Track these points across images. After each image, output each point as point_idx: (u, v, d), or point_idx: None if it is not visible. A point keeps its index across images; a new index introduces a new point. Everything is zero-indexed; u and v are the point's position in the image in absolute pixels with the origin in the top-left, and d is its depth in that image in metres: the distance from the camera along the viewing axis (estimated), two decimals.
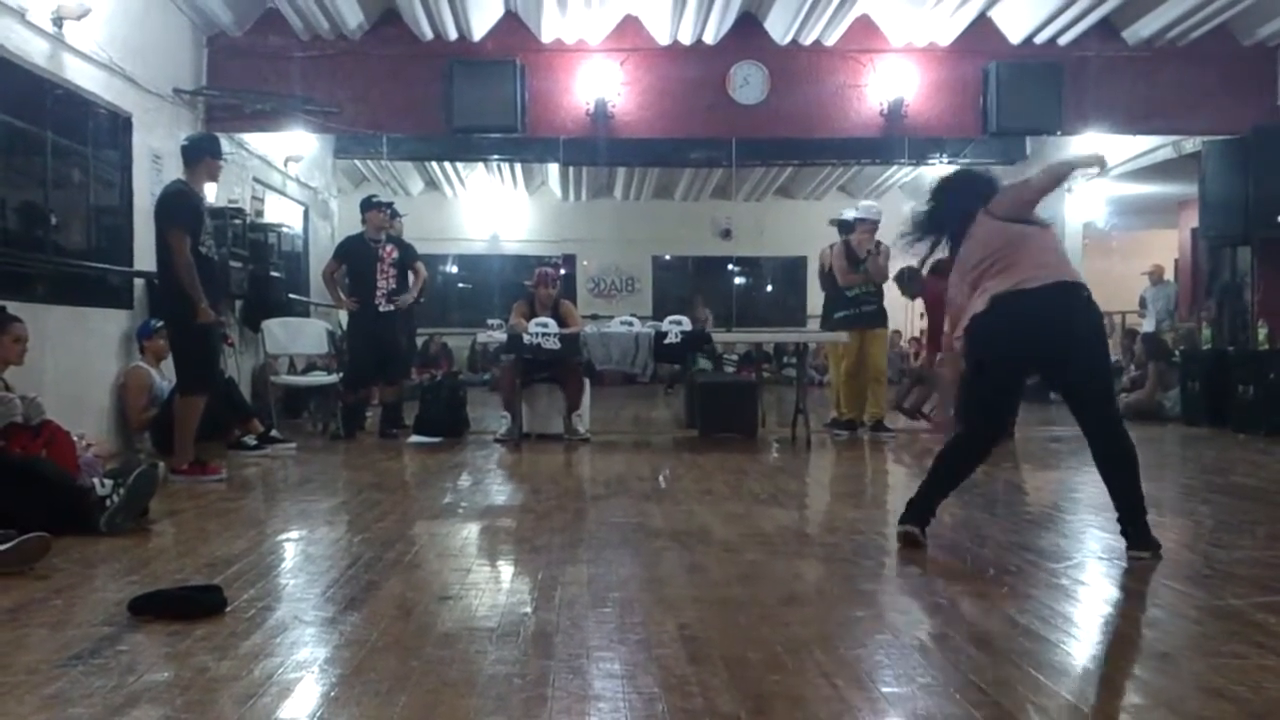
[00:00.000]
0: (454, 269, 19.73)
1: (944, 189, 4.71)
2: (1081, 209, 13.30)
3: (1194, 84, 9.97)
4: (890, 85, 10.05)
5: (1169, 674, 2.81)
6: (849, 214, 9.44)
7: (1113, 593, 3.81)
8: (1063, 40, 9.92)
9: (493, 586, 3.82)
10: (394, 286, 9.05)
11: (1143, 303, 14.03)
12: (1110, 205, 13.40)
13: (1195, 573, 4.00)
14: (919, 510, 4.44)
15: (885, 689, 2.66)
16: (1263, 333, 9.72)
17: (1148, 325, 13.49)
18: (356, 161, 14.79)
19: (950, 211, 4.58)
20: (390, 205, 9.42)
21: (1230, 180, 9.79)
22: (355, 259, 9.12)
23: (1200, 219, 10.41)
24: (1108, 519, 5.17)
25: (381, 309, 8.97)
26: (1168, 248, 15.26)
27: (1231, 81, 9.96)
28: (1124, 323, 14.89)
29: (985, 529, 4.83)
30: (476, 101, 9.63)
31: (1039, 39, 9.92)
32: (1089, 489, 6.12)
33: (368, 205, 9.28)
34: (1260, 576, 3.88)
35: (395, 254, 9.10)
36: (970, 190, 4.60)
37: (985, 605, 3.62)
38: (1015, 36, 9.93)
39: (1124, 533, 4.25)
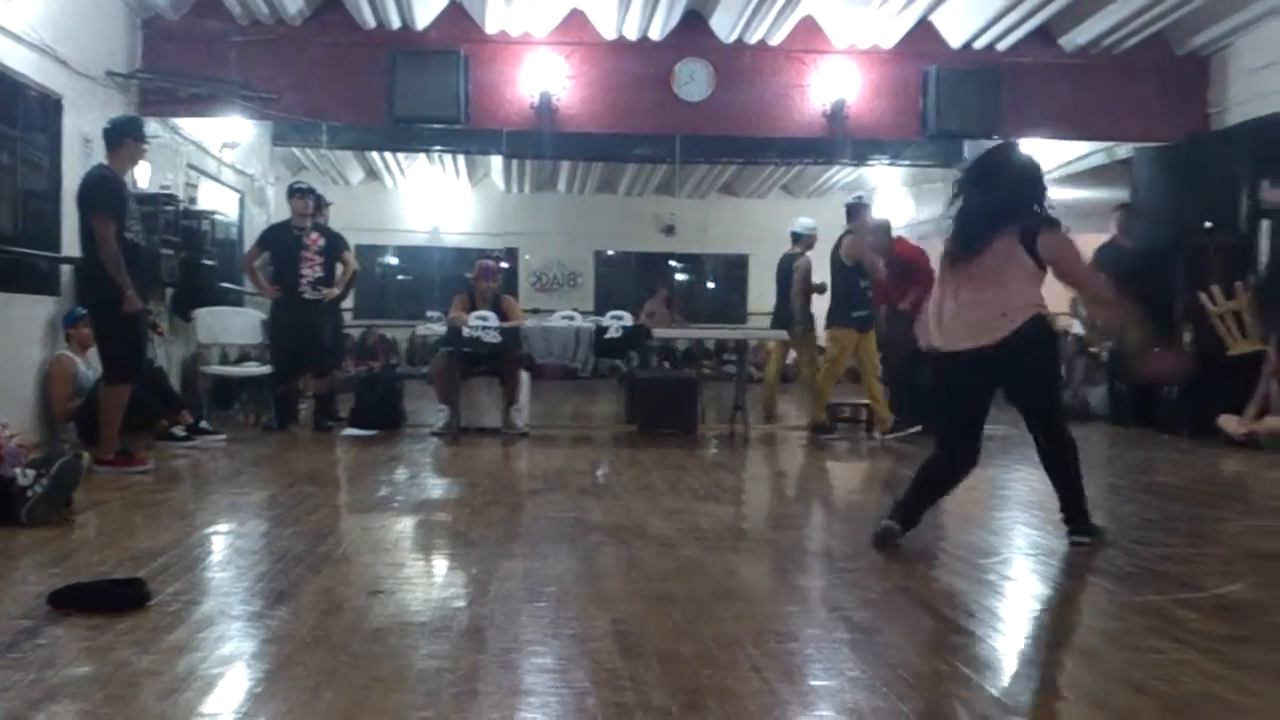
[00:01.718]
0: (394, 260, 19.55)
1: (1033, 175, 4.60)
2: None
3: (1128, 92, 10.14)
4: (833, 86, 10.12)
5: (1092, 668, 2.86)
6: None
7: (1039, 589, 3.87)
8: (1001, 46, 10.05)
9: (426, 581, 3.79)
10: (319, 275, 8.90)
11: (1075, 304, 14.26)
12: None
13: (1119, 570, 4.07)
14: (905, 514, 4.41)
15: (815, 682, 2.68)
16: (1188, 336, 9.91)
17: (1078, 327, 13.70)
18: (295, 149, 14.57)
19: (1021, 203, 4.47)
20: (314, 191, 9.28)
21: (1160, 187, 9.98)
22: (279, 246, 8.97)
23: (1131, 225, 10.59)
24: (1035, 516, 5.27)
25: (306, 297, 8.83)
26: None
27: (1164, 90, 10.15)
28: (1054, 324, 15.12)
29: (919, 525, 4.87)
30: (419, 91, 9.54)
31: (978, 44, 10.04)
32: (1018, 486, 6.23)
33: (292, 192, 9.15)
34: (1181, 574, 3.96)
35: (321, 242, 8.96)
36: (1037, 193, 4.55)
37: (914, 600, 3.66)
38: (955, 41, 10.04)
39: (1065, 520, 4.40)
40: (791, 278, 9.53)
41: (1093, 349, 10.98)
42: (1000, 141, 4.88)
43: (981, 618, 3.37)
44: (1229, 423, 8.34)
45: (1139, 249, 9.95)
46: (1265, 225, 8.50)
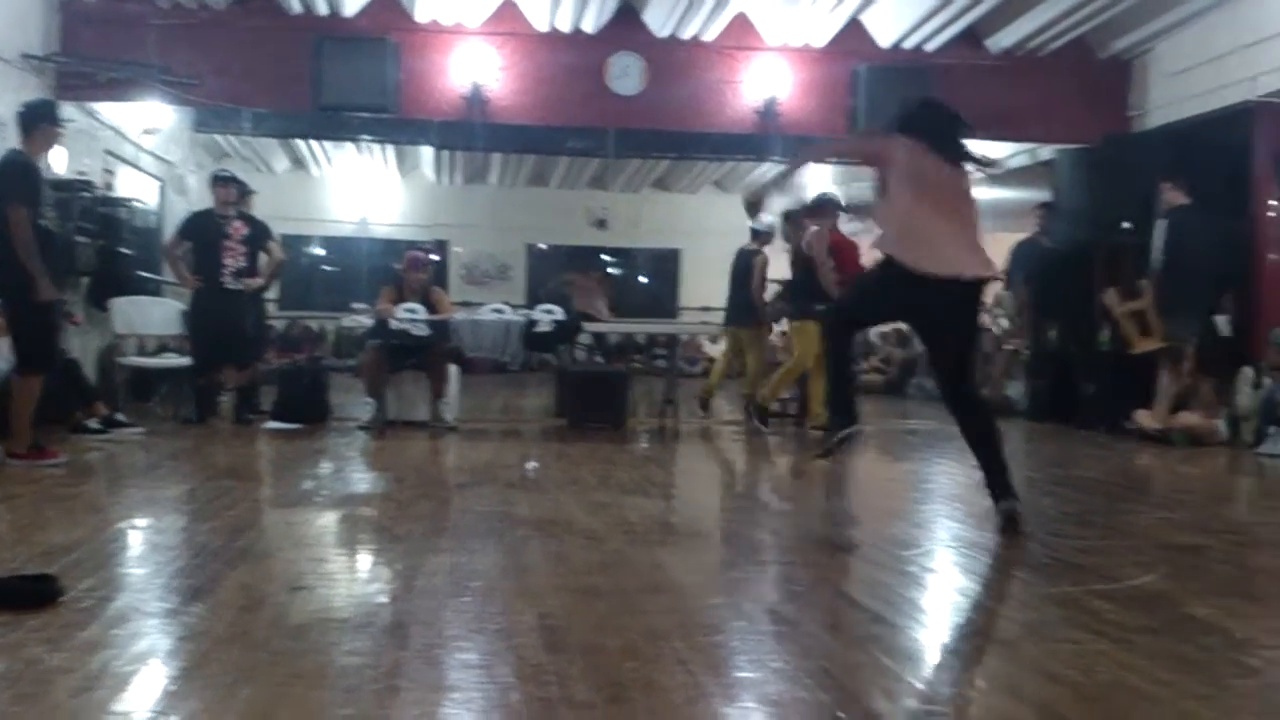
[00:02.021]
0: (320, 251, 19.28)
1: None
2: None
3: (1050, 94, 10.34)
4: (765, 83, 10.18)
5: (1009, 659, 2.91)
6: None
7: (959, 580, 3.92)
8: (929, 47, 10.19)
9: (348, 576, 3.75)
10: (242, 265, 8.73)
11: (998, 301, 14.51)
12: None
13: (1036, 562, 4.15)
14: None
15: (739, 674, 2.69)
16: (1105, 334, 10.13)
17: (1003, 322, 13.93)
18: (217, 136, 14.30)
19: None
20: (237, 180, 9.11)
21: (1080, 188, 10.19)
22: (201, 235, 8.78)
23: (1053, 224, 10.80)
24: (957, 509, 5.36)
25: (228, 286, 8.66)
26: None
27: (1086, 92, 10.37)
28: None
29: (841, 518, 4.93)
30: (346, 79, 9.41)
31: (907, 44, 10.17)
32: (941, 479, 6.33)
33: (214, 179, 8.98)
34: (1097, 566, 4.04)
35: (245, 231, 8.79)
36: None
37: (837, 592, 3.70)
38: (884, 41, 10.16)
39: (990, 490, 4.47)
40: (750, 273, 9.55)
41: (1012, 345, 11.17)
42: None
43: (903, 609, 3.41)
44: (1144, 418, 8.55)
45: (1056, 247, 10.16)
46: (1161, 225, 8.73)
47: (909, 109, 4.75)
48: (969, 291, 4.44)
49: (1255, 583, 4.01)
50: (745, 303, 9.55)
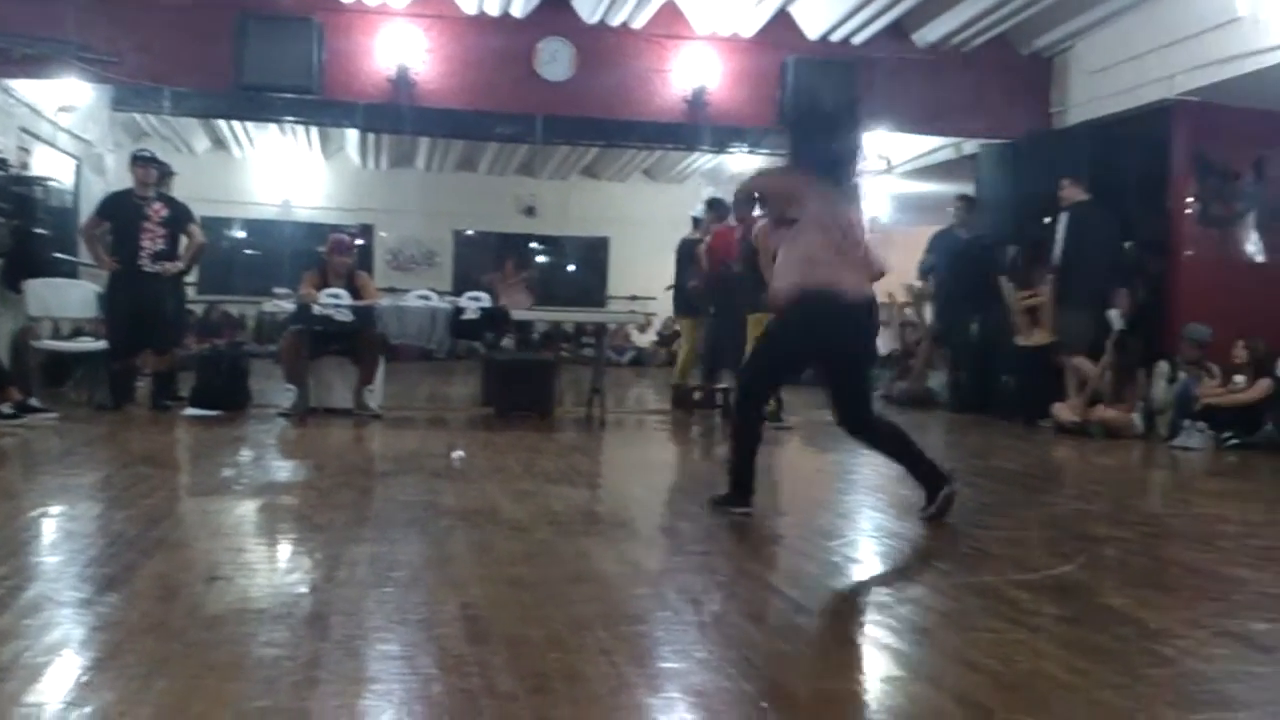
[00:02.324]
0: (241, 234, 18.91)
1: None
2: (866, 205, 13.77)
3: (974, 89, 10.49)
4: (694, 72, 10.19)
5: (929, 648, 2.95)
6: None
7: (880, 570, 3.97)
8: (857, 40, 10.26)
9: (267, 566, 3.68)
10: (161, 247, 8.52)
11: (921, 293, 14.70)
12: (894, 202, 13.96)
13: (956, 552, 4.22)
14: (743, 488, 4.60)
15: (662, 664, 2.70)
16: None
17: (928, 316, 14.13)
18: (136, 115, 13.95)
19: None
20: (157, 161, 8.90)
21: (1002, 182, 10.36)
22: (119, 216, 8.55)
23: (975, 218, 10.96)
24: (879, 500, 5.43)
25: (146, 269, 8.46)
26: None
27: (1008, 88, 10.54)
28: (902, 314, 15.58)
29: (766, 509, 4.96)
30: (269, 59, 9.22)
31: (834, 37, 10.24)
32: (865, 470, 6.38)
33: (133, 160, 8.76)
34: (1016, 555, 4.12)
35: (165, 212, 8.58)
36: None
37: (762, 583, 3.72)
38: (812, 33, 10.22)
39: (926, 487, 4.60)
40: (690, 262, 9.55)
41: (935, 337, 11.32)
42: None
43: (825, 599, 3.44)
44: (1061, 411, 8.73)
45: (973, 238, 10.30)
46: (1062, 220, 8.94)
47: (807, 132, 4.83)
48: (869, 314, 4.57)
49: (1169, 574, 4.11)
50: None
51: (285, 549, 4.08)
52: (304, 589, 3.32)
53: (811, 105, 4.83)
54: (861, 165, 4.71)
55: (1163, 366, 8.62)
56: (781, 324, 4.62)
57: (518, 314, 9.65)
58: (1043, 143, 10.01)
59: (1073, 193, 8.88)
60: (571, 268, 20.35)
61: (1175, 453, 7.75)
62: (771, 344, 4.72)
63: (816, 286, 4.41)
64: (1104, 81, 9.73)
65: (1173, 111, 9.02)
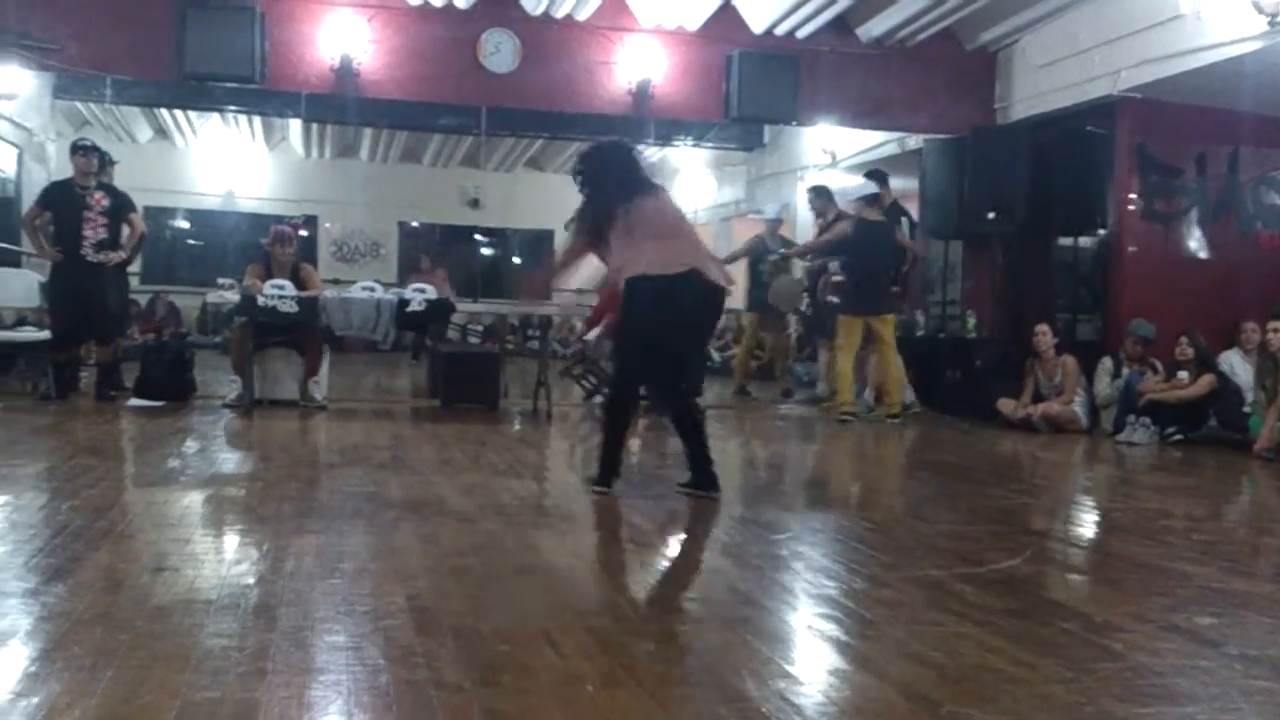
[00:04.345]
0: (184, 224, 18.67)
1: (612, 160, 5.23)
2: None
3: (919, 84, 10.59)
4: (639, 65, 10.19)
5: (874, 640, 2.99)
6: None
7: (826, 563, 4.02)
8: (800, 34, 10.31)
9: (214, 558, 3.66)
10: (103, 237, 8.44)
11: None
12: (839, 196, 14.11)
13: (900, 545, 4.29)
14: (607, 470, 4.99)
15: (610, 656, 2.71)
16: (971, 321, 10.48)
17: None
18: (78, 103, 13.74)
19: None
20: (98, 150, 8.78)
21: (947, 178, 10.48)
22: (60, 206, 8.46)
23: (920, 213, 11.10)
24: (825, 493, 5.50)
25: (89, 259, 8.36)
26: None
27: (953, 83, 10.64)
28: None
29: (712, 501, 5.01)
30: (211, 47, 9.09)
31: (779, 30, 10.28)
32: (810, 463, 6.46)
33: (74, 149, 8.65)
34: (960, 549, 4.19)
35: (106, 202, 8.49)
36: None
37: (709, 575, 3.77)
38: (757, 27, 10.26)
39: (694, 476, 4.96)
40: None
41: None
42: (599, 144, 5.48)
43: (771, 591, 3.49)
44: (1006, 406, 8.86)
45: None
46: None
47: (593, 179, 5.27)
48: (711, 292, 4.90)
49: (1115, 567, 4.18)
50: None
51: (232, 540, 4.06)
52: (251, 580, 3.30)
53: (590, 157, 5.32)
54: (649, 174, 5.21)
55: (1106, 363, 8.77)
56: (634, 327, 4.99)
57: (465, 307, 9.62)
58: (988, 138, 10.13)
59: (867, 212, 9.18)
60: (516, 260, 20.30)
61: (1120, 448, 7.87)
62: (632, 343, 5.07)
63: (658, 273, 4.80)
64: (1049, 77, 9.87)
65: (1117, 107, 9.17)
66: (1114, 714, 2.42)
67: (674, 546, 4.30)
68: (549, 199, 18.47)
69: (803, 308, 10.81)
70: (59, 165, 11.57)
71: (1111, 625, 3.15)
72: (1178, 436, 7.94)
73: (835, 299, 9.38)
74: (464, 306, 10.14)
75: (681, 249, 4.90)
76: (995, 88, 10.69)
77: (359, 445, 6.59)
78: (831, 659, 2.83)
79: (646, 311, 4.84)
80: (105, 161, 8.93)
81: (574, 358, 9.52)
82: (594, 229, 5.09)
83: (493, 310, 12.42)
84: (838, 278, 9.40)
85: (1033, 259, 10.18)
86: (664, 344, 4.89)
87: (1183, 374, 8.13)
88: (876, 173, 9.91)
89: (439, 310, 8.91)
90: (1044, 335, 8.73)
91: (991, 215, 9.65)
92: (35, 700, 2.25)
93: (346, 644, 2.69)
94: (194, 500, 4.81)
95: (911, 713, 2.39)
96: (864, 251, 9.05)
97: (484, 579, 3.40)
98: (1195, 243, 9.50)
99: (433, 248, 17.93)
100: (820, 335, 10.40)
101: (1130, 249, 9.34)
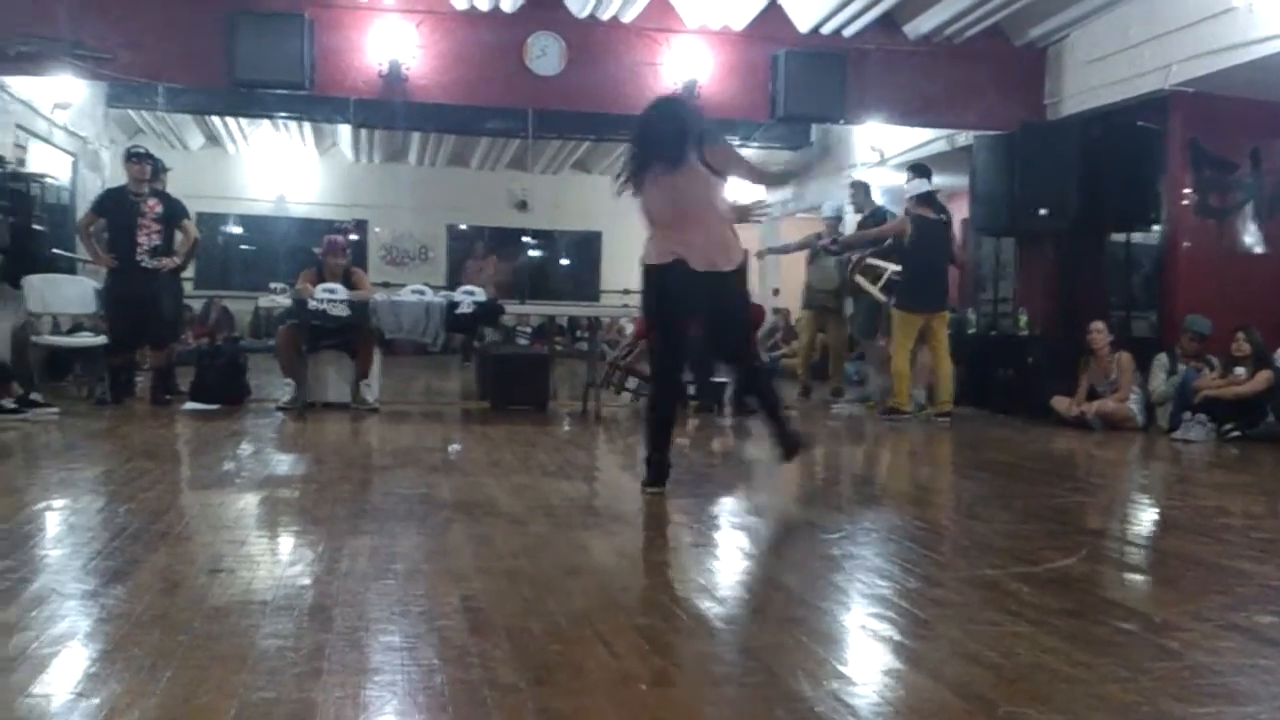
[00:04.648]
0: (236, 230, 18.90)
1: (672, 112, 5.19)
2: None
3: (968, 80, 10.48)
4: (685, 66, 10.18)
5: (928, 640, 2.96)
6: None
7: (879, 563, 3.99)
8: (847, 32, 10.24)
9: (269, 559, 3.71)
10: (157, 243, 8.59)
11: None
12: (886, 194, 14.01)
13: (957, 545, 4.25)
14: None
15: (662, 656, 2.71)
16: (1024, 319, 10.37)
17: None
18: (131, 111, 13.96)
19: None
20: (152, 157, 8.93)
21: (997, 174, 10.37)
22: (115, 213, 8.62)
23: (970, 210, 10.99)
24: (877, 492, 5.45)
25: (144, 265, 8.51)
26: None
27: (1002, 80, 10.52)
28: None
29: (765, 501, 4.99)
30: (261, 55, 9.19)
31: (825, 29, 10.22)
32: (862, 463, 6.43)
33: (129, 157, 8.82)
34: (1016, 548, 4.14)
35: (159, 209, 8.64)
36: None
37: (761, 575, 3.75)
38: (803, 25, 10.21)
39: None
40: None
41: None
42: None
43: (825, 591, 3.47)
44: (1060, 404, 8.75)
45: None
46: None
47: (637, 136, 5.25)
48: (702, 277, 4.84)
49: (1172, 566, 4.11)
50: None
51: (287, 541, 4.11)
52: (306, 581, 3.34)
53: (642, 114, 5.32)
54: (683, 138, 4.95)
55: (1162, 359, 8.63)
56: (646, 306, 5.11)
57: (514, 308, 9.67)
58: (1037, 134, 10.01)
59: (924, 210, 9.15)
60: (565, 262, 20.35)
61: (1176, 445, 7.76)
62: (649, 321, 5.25)
63: (643, 259, 4.96)
64: (1099, 72, 9.73)
65: (1169, 102, 9.03)
66: (1172, 714, 2.38)
67: (725, 546, 4.29)
68: (596, 201, 18.49)
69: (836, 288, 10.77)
70: (113, 173, 11.77)
71: (1169, 624, 3.10)
72: (1235, 433, 7.81)
73: (891, 297, 9.33)
74: (512, 308, 10.19)
75: (671, 237, 4.90)
76: (1045, 83, 10.55)
77: (410, 447, 6.64)
78: (886, 659, 2.81)
79: (647, 300, 5.00)
80: (158, 169, 9.08)
81: (612, 364, 9.56)
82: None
83: (541, 312, 12.49)
84: (891, 271, 9.34)
85: (1085, 255, 10.05)
86: (669, 332, 5.00)
87: (1239, 370, 8.00)
88: (920, 167, 9.81)
89: (487, 312, 8.96)
90: (1099, 333, 8.63)
91: (1043, 212, 9.53)
92: (96, 701, 2.28)
93: (401, 644, 2.71)
94: (249, 502, 4.87)
95: (967, 713, 2.36)
96: (922, 249, 9.02)
97: (536, 579, 3.41)
98: (1250, 237, 9.32)
99: (498, 251, 18.04)
100: (862, 335, 10.35)
101: (1184, 244, 9.19)
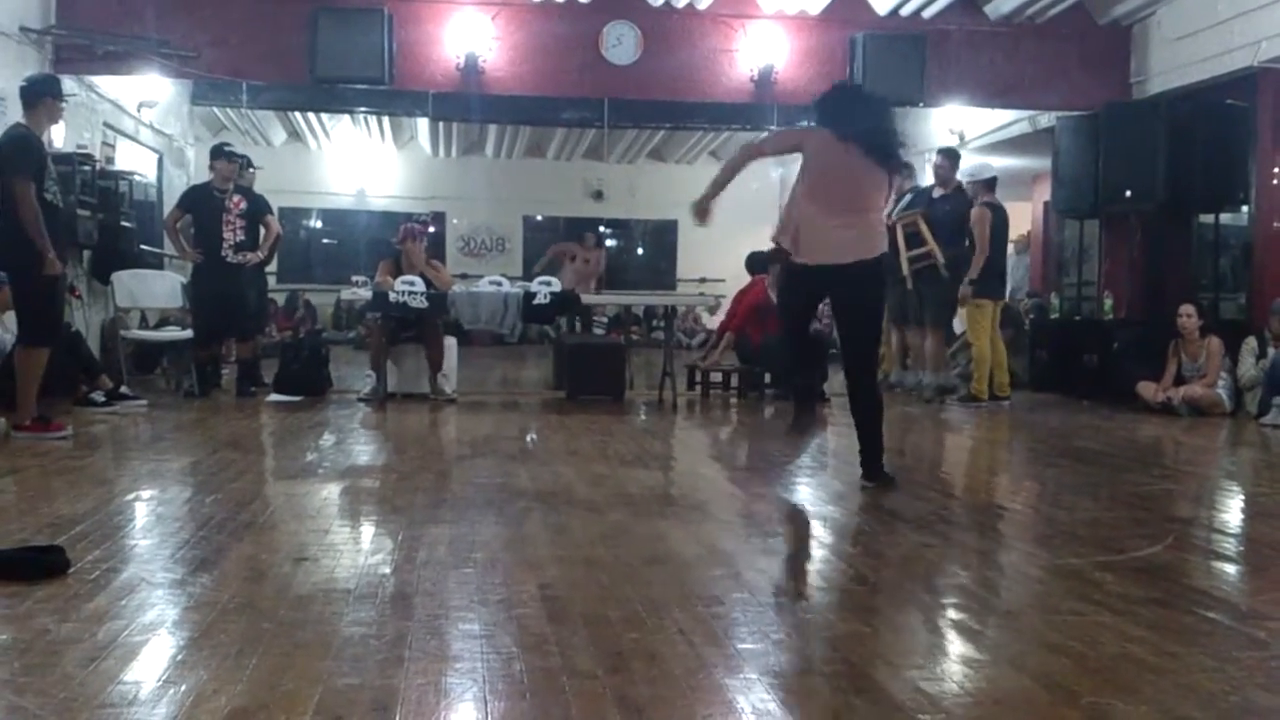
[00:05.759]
0: (318, 224, 19.23)
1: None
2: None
3: (1050, 60, 10.27)
4: (761, 52, 10.11)
5: (1011, 630, 2.93)
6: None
7: (961, 553, 3.95)
8: (927, 13, 10.10)
9: (351, 548, 3.77)
10: (241, 239, 8.77)
11: None
12: (967, 176, 13.82)
13: (1039, 533, 4.18)
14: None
15: (740, 645, 2.71)
16: (1108, 303, 10.14)
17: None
18: (215, 109, 14.24)
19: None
20: (242, 156, 9.13)
21: (1081, 156, 10.14)
22: (200, 209, 8.81)
23: (1052, 193, 10.76)
24: (957, 480, 5.38)
25: (228, 260, 8.69)
26: (1021, 219, 15.76)
27: (1086, 59, 10.29)
28: None
29: (843, 491, 4.96)
30: (341, 51, 9.33)
31: (904, 11, 10.08)
32: (942, 452, 6.34)
33: (217, 154, 8.99)
34: (1100, 537, 4.07)
35: (243, 205, 8.82)
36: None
37: (840, 565, 3.72)
38: (882, 8, 10.08)
39: (863, 465, 4.86)
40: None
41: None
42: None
43: (904, 582, 3.43)
44: (1146, 389, 8.55)
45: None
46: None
47: (830, 96, 5.12)
48: (850, 274, 4.76)
49: (1260, 555, 4.02)
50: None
51: (368, 530, 4.18)
52: (387, 569, 3.39)
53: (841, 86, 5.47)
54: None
55: (1251, 343, 8.38)
56: (784, 272, 5.31)
57: (589, 299, 9.70)
58: (1123, 114, 9.77)
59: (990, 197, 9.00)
60: (640, 251, 20.37)
61: (1265, 431, 7.54)
62: (783, 283, 5.52)
63: (792, 255, 4.89)
64: (1185, 50, 9.47)
65: (1258, 79, 8.76)
66: (1260, 704, 2.33)
67: (802, 536, 4.26)
68: (671, 189, 18.48)
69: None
70: (198, 170, 12.04)
71: (1257, 613, 3.05)
72: None
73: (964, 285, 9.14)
74: (588, 298, 10.23)
75: (826, 239, 4.76)
76: (1130, 62, 10.29)
77: (488, 437, 6.71)
78: (965, 649, 2.78)
79: (784, 294, 5.16)
80: (244, 165, 9.27)
81: (692, 369, 9.62)
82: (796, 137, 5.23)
83: (617, 301, 12.51)
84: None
85: (1172, 237, 9.81)
86: (793, 329, 5.02)
87: None
88: (950, 151, 9.63)
89: (563, 303, 9.00)
90: (1189, 316, 8.41)
91: (1129, 193, 9.32)
92: (184, 687, 2.34)
93: (481, 632, 2.74)
94: (331, 492, 4.96)
95: (1051, 704, 2.33)
96: (1000, 237, 8.91)
97: (613, 568, 3.42)
98: None
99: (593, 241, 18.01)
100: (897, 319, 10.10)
101: (1275, 225, 8.91)
